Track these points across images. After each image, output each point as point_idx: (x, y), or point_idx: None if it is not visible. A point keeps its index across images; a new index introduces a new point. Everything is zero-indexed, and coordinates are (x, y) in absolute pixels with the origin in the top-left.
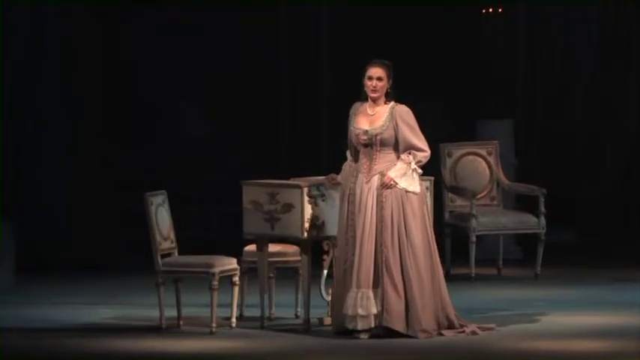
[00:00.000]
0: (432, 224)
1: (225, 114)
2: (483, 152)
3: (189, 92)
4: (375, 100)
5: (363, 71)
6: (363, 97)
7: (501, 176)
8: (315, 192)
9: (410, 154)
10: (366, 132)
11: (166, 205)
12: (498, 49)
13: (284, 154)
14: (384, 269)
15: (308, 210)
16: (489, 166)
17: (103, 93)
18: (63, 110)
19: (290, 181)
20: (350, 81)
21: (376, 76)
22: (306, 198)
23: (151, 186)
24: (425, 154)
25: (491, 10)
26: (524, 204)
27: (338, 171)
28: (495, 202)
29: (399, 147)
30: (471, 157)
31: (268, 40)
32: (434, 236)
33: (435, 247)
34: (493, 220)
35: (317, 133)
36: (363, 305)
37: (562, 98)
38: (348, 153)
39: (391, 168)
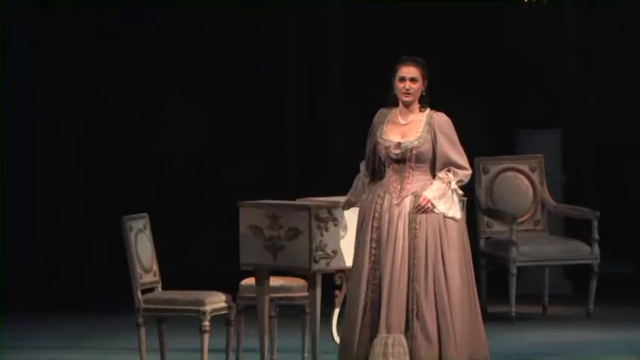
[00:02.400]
0: (471, 257)
1: (219, 124)
2: (525, 168)
3: (177, 98)
4: (407, 106)
5: (393, 72)
6: (391, 101)
7: (547, 196)
8: (325, 215)
9: (449, 171)
10: (398, 145)
11: (148, 231)
12: (543, 47)
13: (289, 171)
14: (415, 310)
15: (317, 236)
16: (532, 185)
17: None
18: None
19: (296, 202)
20: (366, 88)
21: (409, 76)
22: (314, 222)
23: (130, 208)
24: (467, 173)
25: None
26: (574, 229)
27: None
28: (540, 227)
29: (435, 163)
30: (510, 174)
31: (272, 42)
32: (473, 271)
33: (474, 283)
34: (537, 248)
35: (328, 147)
36: (395, 353)
37: (618, 105)
38: (362, 166)
39: (427, 187)
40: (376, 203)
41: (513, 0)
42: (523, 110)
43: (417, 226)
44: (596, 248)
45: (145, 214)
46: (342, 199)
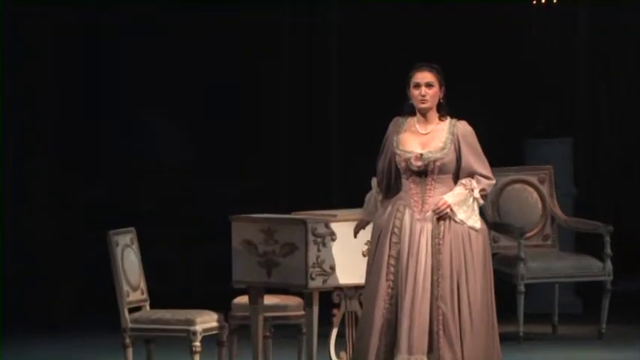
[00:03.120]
0: (492, 272)
1: (210, 134)
2: (534, 180)
3: (166, 108)
4: (425, 114)
5: (407, 80)
6: (407, 110)
7: (557, 210)
8: (322, 229)
9: (473, 178)
10: (420, 156)
11: (135, 246)
12: (554, 51)
13: (284, 183)
14: (441, 330)
15: (314, 252)
16: (542, 198)
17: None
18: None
19: (291, 216)
20: (366, 96)
21: (425, 81)
22: (311, 237)
23: (117, 222)
24: (491, 182)
25: (543, 0)
26: (585, 245)
27: (347, 204)
28: (549, 243)
29: (458, 174)
30: (518, 186)
31: (265, 45)
32: (493, 287)
33: (494, 298)
34: (546, 264)
35: (324, 157)
36: None
37: (634, 113)
38: (374, 182)
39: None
40: (395, 218)
41: (522, 1)
42: (532, 118)
43: (441, 242)
44: (609, 264)
45: (132, 229)
46: (340, 212)
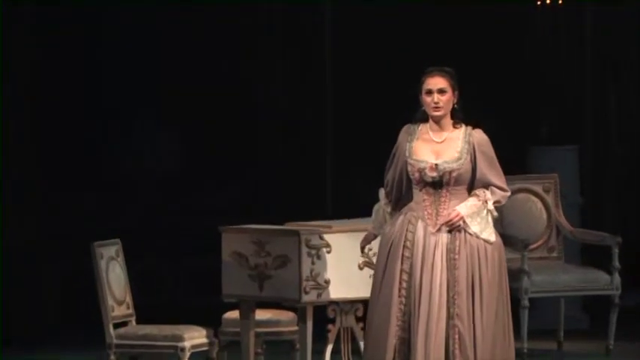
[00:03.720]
0: (508, 287)
1: (200, 141)
2: (539, 189)
3: (154, 114)
4: (438, 121)
5: (419, 86)
6: (419, 117)
7: (562, 220)
8: (316, 241)
9: (487, 189)
10: (435, 167)
11: (121, 259)
12: (558, 53)
13: (276, 192)
14: (457, 350)
15: (308, 265)
16: (547, 208)
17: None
18: None
19: (284, 227)
20: (362, 102)
21: (437, 87)
22: (305, 248)
23: (101, 233)
24: (505, 194)
25: (548, 1)
26: (592, 257)
27: (343, 214)
28: (555, 255)
29: (473, 185)
30: (522, 196)
31: (255, 50)
32: (509, 302)
33: (510, 316)
34: (552, 278)
35: (319, 166)
36: None
37: None
38: (381, 193)
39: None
40: (407, 231)
41: (526, 2)
42: (536, 123)
43: (457, 256)
44: (617, 278)
45: (117, 240)
46: (335, 223)
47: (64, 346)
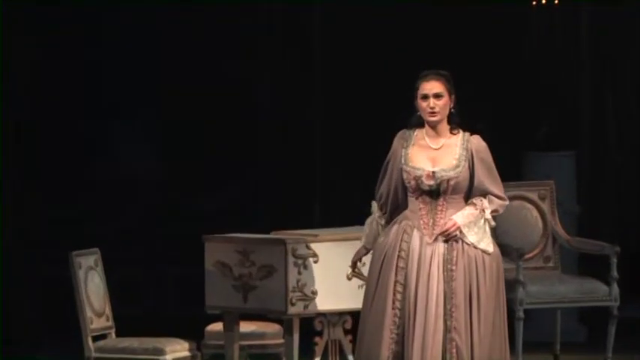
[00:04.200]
0: (505, 300)
1: (183, 146)
2: (534, 196)
3: (135, 118)
4: (434, 127)
5: (414, 91)
6: (415, 122)
7: (559, 229)
8: (303, 250)
9: (485, 198)
10: (433, 175)
11: (100, 268)
12: (554, 55)
13: (262, 200)
14: None
15: (294, 275)
16: (542, 216)
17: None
18: None
19: (270, 236)
20: (350, 107)
21: (433, 92)
22: (291, 258)
23: (80, 242)
24: (503, 203)
25: (544, 1)
26: (590, 267)
27: (330, 222)
28: (551, 265)
29: (470, 193)
30: (517, 203)
31: (242, 50)
32: (506, 315)
33: (506, 328)
34: (548, 288)
35: (307, 172)
36: None
37: None
38: (374, 206)
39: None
40: (402, 240)
41: (521, 2)
42: (531, 128)
43: (454, 267)
44: (615, 288)
45: (97, 250)
46: (322, 232)
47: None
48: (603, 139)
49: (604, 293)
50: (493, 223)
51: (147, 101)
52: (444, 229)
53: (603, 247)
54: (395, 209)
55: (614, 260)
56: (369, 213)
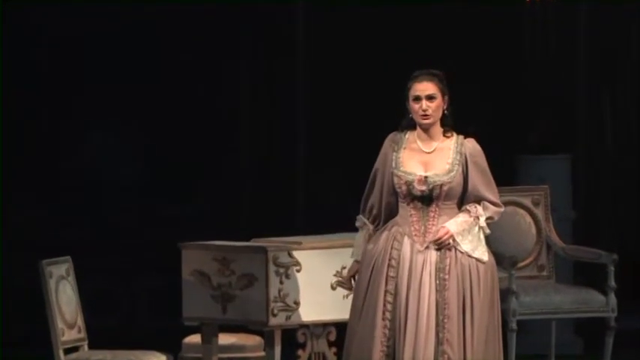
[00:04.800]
0: (500, 312)
1: (160, 148)
2: (527, 202)
3: (108, 118)
4: (426, 130)
5: (405, 92)
6: (406, 124)
7: (554, 236)
8: (285, 258)
9: (480, 204)
10: (424, 180)
11: (72, 277)
12: (550, 55)
13: (242, 205)
14: None
15: (276, 284)
16: (536, 222)
17: None
18: None
19: (250, 243)
20: (335, 106)
21: (426, 94)
22: (272, 267)
23: (51, 250)
24: (498, 210)
25: None
26: (586, 276)
27: (314, 229)
28: (545, 274)
29: (464, 199)
30: (509, 209)
31: (224, 47)
32: (500, 326)
33: (501, 341)
34: (542, 299)
35: (290, 175)
36: None
37: None
38: (363, 218)
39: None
40: (392, 248)
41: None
42: (524, 130)
43: (447, 276)
44: (613, 299)
45: (68, 258)
46: (305, 239)
47: None
48: (600, 142)
49: (601, 304)
50: (488, 231)
51: (124, 102)
52: (437, 237)
53: (600, 255)
54: (389, 219)
55: (612, 269)
56: (355, 219)
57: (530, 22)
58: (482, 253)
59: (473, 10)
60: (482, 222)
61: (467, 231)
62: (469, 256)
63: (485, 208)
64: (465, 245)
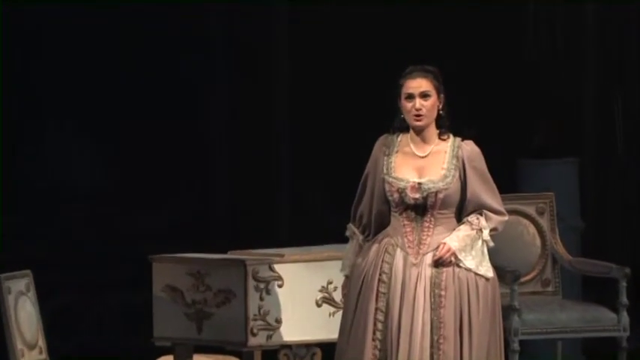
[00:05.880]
0: (502, 331)
1: (131, 154)
2: (531, 210)
3: (74, 120)
4: (420, 132)
5: (397, 90)
6: (398, 126)
7: (560, 248)
8: (266, 272)
9: (482, 214)
10: (418, 187)
11: (32, 294)
12: (555, 52)
13: (219, 215)
14: None
15: (256, 301)
16: (540, 233)
17: None
18: None
19: (227, 256)
20: (318, 105)
21: (419, 91)
22: (252, 282)
23: (9, 263)
24: (503, 219)
25: None
26: (595, 292)
27: (298, 240)
28: (550, 289)
29: (462, 207)
30: (511, 219)
31: (200, 52)
32: (502, 344)
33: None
34: (547, 316)
35: (271, 181)
36: None
37: None
38: (352, 228)
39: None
40: (383, 261)
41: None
42: (528, 132)
43: (443, 293)
44: (625, 317)
45: (28, 272)
46: (288, 251)
47: None
48: (610, 145)
49: (611, 322)
50: (492, 244)
51: (83, 100)
52: (438, 255)
53: (611, 268)
54: (381, 230)
55: (624, 284)
56: (342, 229)
57: (535, 17)
58: (487, 269)
59: (472, 8)
60: (486, 235)
61: (469, 246)
62: (475, 273)
63: (488, 219)
64: (469, 262)
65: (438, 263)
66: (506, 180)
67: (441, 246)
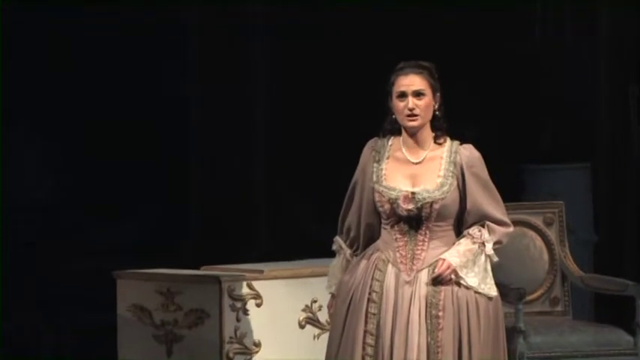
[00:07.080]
0: (506, 352)
1: (91, 157)
2: (538, 221)
3: (27, 122)
4: (414, 135)
5: (388, 88)
6: (389, 128)
7: (570, 263)
8: (243, 290)
9: (484, 226)
10: (412, 197)
11: None
12: (565, 49)
13: (191, 226)
14: None
15: (231, 322)
16: (548, 246)
17: None
18: None
19: (200, 272)
20: (308, 108)
21: (412, 89)
22: (227, 300)
23: None
24: (507, 231)
25: None
26: (608, 311)
27: (278, 254)
28: (559, 309)
29: (462, 219)
30: (516, 231)
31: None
32: None
33: None
34: (555, 339)
35: (248, 190)
36: None
37: None
38: (339, 240)
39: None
40: (373, 279)
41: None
42: (535, 134)
43: (440, 313)
44: None
45: None
46: (267, 266)
47: None
48: (626, 148)
49: (627, 344)
50: (495, 259)
51: (43, 100)
52: (437, 273)
53: (626, 286)
54: (370, 243)
55: None
56: (328, 242)
57: (543, 11)
58: (490, 287)
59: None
60: (489, 249)
61: (471, 261)
62: (467, 288)
63: (491, 232)
64: (471, 279)
65: (436, 281)
66: (510, 187)
67: (440, 262)
